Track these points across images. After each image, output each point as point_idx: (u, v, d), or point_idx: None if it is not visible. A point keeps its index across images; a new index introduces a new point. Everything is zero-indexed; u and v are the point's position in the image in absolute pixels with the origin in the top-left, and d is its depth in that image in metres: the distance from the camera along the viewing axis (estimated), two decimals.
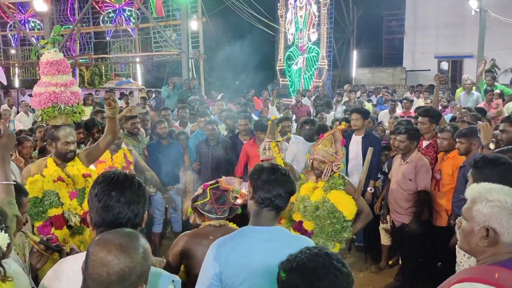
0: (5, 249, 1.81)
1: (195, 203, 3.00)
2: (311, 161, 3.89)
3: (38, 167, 3.76)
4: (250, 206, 2.39)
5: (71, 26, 17.65)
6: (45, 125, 5.47)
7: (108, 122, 3.86)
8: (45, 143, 5.64)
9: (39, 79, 3.93)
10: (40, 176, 3.66)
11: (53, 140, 3.72)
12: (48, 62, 3.81)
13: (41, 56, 3.97)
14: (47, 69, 3.81)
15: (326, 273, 1.59)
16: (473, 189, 1.95)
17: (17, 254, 2.42)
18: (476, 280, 1.79)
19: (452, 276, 1.96)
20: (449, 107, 9.29)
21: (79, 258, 1.87)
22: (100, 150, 3.99)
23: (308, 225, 3.68)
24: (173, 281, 1.91)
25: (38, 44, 4.28)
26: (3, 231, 1.83)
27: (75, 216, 3.67)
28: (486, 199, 1.85)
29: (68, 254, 2.30)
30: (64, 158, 3.73)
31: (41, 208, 3.62)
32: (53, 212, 3.64)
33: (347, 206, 3.64)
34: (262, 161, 4.11)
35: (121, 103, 12.87)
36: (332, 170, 3.77)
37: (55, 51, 3.87)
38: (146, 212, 2.01)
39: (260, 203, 2.32)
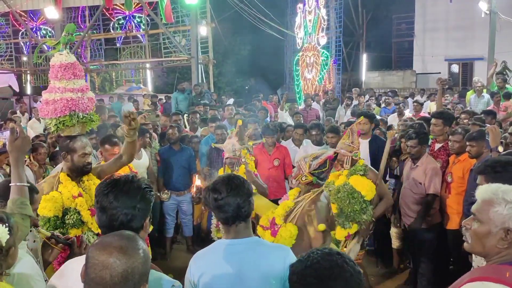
0: (4, 244, 1.83)
1: (315, 171, 3.37)
2: (334, 154, 3.94)
3: (50, 184, 3.42)
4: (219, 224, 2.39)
5: (81, 33, 17.84)
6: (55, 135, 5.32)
7: (127, 143, 3.49)
8: (56, 149, 5.75)
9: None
10: (57, 193, 3.32)
11: (69, 152, 3.38)
12: (62, 65, 3.42)
13: (46, 58, 3.74)
14: (61, 73, 3.41)
15: (340, 271, 1.60)
16: (485, 190, 1.92)
17: (31, 250, 2.47)
18: (488, 279, 1.79)
19: (464, 275, 1.95)
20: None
21: (76, 263, 1.93)
22: (113, 170, 3.66)
23: (333, 208, 3.72)
24: (173, 286, 1.92)
25: (46, 46, 4.01)
26: (4, 225, 1.85)
27: (93, 237, 3.31)
28: (504, 201, 1.83)
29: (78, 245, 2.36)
30: (80, 172, 3.42)
31: (62, 230, 3.23)
32: (74, 232, 3.26)
33: (365, 187, 3.80)
34: (226, 158, 4.65)
35: (131, 108, 12.96)
36: (352, 158, 4.17)
37: (68, 52, 3.49)
38: (149, 219, 1.99)
39: (224, 222, 2.30)
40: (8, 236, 1.84)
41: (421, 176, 4.84)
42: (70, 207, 3.29)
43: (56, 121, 3.36)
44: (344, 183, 3.89)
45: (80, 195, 3.35)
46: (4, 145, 2.36)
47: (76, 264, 1.94)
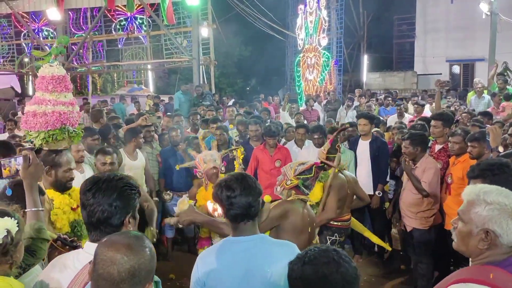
0: (14, 235, 1.89)
1: (299, 176, 3.37)
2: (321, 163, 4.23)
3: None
4: (226, 220, 2.41)
5: (83, 35, 17.86)
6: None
7: None
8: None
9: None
10: (59, 210, 3.18)
11: (53, 166, 3.23)
12: (54, 77, 3.29)
13: (33, 68, 3.60)
14: (53, 85, 3.28)
15: (338, 266, 1.66)
16: (470, 191, 1.95)
17: None
18: (471, 280, 1.80)
19: (449, 276, 1.96)
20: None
21: (70, 255, 2.01)
22: None
23: None
24: (154, 281, 1.97)
25: (27, 55, 3.81)
26: (12, 218, 1.91)
27: None
28: (485, 202, 1.86)
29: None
30: (63, 188, 3.28)
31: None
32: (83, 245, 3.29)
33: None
34: (210, 169, 4.65)
35: (133, 109, 12.99)
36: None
37: (58, 64, 3.37)
38: (130, 217, 2.01)
39: (232, 220, 2.35)
40: (17, 229, 1.91)
41: (420, 176, 4.85)
42: (75, 219, 3.22)
43: (45, 134, 3.19)
44: None
45: (78, 206, 3.16)
46: (17, 171, 2.40)
47: (69, 259, 1.99)
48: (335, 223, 4.69)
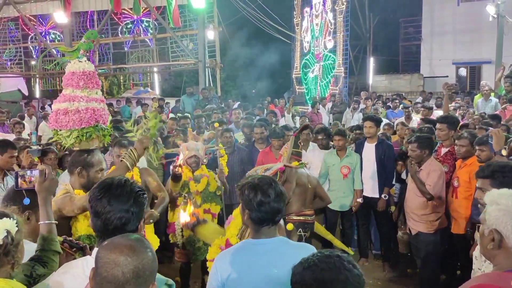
0: (14, 235, 1.89)
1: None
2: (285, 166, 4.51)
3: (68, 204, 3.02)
4: (246, 222, 2.38)
5: None
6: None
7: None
8: (66, 153, 5.79)
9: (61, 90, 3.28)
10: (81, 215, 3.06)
11: (85, 167, 3.11)
12: (85, 73, 3.17)
13: (63, 64, 3.39)
14: (84, 81, 3.15)
15: (337, 274, 1.63)
16: (489, 194, 2.00)
17: None
18: (491, 286, 1.80)
19: (467, 282, 1.97)
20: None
21: (79, 263, 2.00)
22: None
23: None
24: (166, 284, 1.96)
25: (55, 50, 3.70)
26: (11, 218, 1.91)
27: None
28: (495, 203, 1.90)
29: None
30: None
31: None
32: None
33: None
34: (190, 158, 4.80)
35: (139, 111, 13.03)
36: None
37: (86, 60, 3.27)
38: (143, 221, 2.01)
39: (257, 223, 2.33)
40: (16, 229, 1.91)
41: (425, 179, 4.82)
42: None
43: (79, 132, 3.07)
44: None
45: None
46: (30, 182, 2.43)
47: (72, 267, 2.00)
48: (298, 217, 4.77)
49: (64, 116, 3.07)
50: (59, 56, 14.69)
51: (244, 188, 2.36)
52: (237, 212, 3.49)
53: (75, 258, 2.36)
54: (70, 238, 2.54)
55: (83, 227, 3.09)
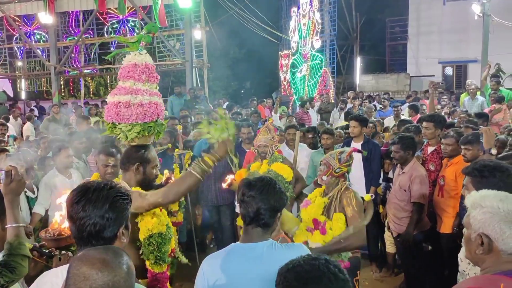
0: None
1: (345, 163, 3.70)
2: (256, 150, 5.18)
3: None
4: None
5: (75, 38, 17.73)
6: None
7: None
8: (48, 155, 5.70)
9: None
10: (157, 209, 2.94)
11: (143, 163, 3.00)
12: (148, 67, 3.12)
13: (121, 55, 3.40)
14: (146, 74, 3.09)
15: (320, 276, 1.59)
16: (471, 197, 1.94)
17: None
18: None
19: (456, 286, 1.94)
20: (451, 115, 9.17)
21: (59, 271, 1.89)
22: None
23: None
24: None
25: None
26: None
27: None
28: (479, 206, 1.84)
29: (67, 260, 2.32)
30: (149, 186, 3.02)
31: (169, 246, 2.91)
32: (172, 246, 3.02)
33: (286, 171, 4.83)
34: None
35: None
36: (273, 150, 5.06)
37: (146, 53, 3.20)
38: (124, 228, 1.89)
39: (244, 221, 2.32)
40: None
41: (406, 182, 4.81)
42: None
43: (141, 127, 2.98)
44: (268, 170, 4.79)
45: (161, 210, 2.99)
46: None
47: (49, 277, 1.90)
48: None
49: (126, 109, 2.95)
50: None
51: (239, 185, 2.38)
52: (315, 193, 3.86)
53: (46, 266, 2.28)
54: (42, 243, 2.44)
55: (155, 224, 2.90)
